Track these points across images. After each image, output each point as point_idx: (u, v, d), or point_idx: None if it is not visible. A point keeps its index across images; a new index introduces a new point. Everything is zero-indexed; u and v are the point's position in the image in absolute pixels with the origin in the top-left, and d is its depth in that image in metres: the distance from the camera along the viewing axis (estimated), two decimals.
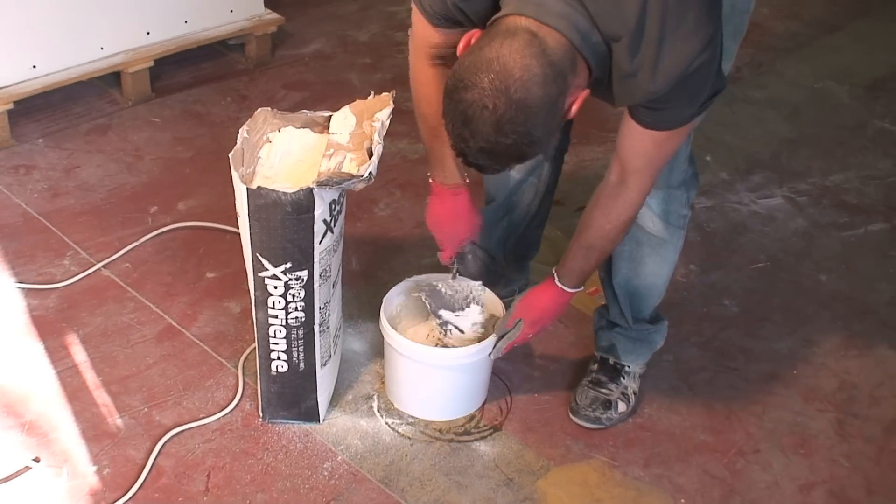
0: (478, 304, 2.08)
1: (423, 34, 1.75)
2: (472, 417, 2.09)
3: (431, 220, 2.02)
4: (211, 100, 3.09)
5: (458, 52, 1.53)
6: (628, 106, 1.63)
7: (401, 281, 2.12)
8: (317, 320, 1.90)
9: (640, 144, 1.67)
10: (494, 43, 1.43)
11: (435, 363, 2.00)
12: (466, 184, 1.96)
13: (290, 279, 1.82)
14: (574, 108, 1.51)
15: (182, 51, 3.08)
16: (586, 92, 1.52)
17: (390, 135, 1.95)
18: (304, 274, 1.83)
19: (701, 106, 1.61)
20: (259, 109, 1.94)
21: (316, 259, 1.82)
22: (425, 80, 1.82)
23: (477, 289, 2.10)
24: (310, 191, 1.73)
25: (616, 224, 1.80)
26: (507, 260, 2.31)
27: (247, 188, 1.74)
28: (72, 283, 2.33)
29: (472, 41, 1.50)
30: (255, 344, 1.94)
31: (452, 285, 2.08)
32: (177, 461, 1.94)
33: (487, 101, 1.42)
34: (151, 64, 3.00)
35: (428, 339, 2.08)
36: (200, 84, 3.16)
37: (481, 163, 1.52)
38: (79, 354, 2.15)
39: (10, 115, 2.75)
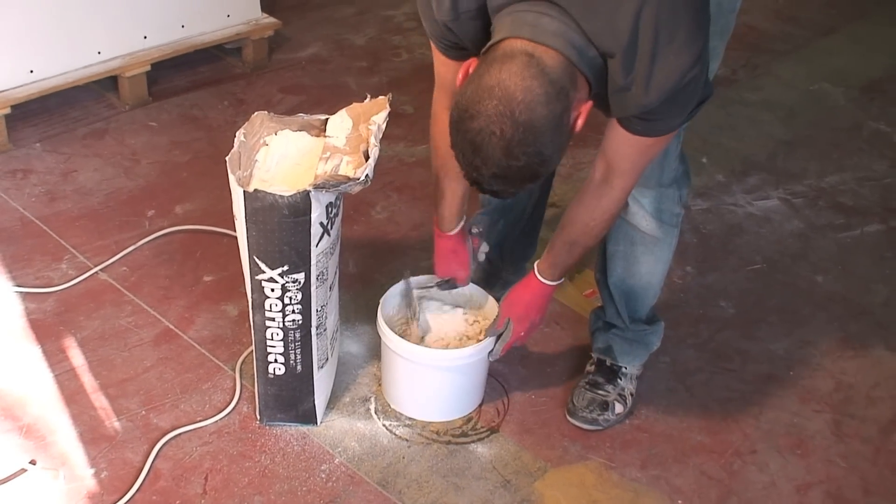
0: (428, 332, 2.11)
1: (443, 75, 1.79)
2: (469, 419, 2.09)
3: (435, 257, 2.09)
4: (208, 104, 3.10)
5: (457, 84, 1.54)
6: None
7: (398, 283, 2.13)
8: (314, 323, 1.90)
9: (626, 148, 1.69)
10: (493, 69, 1.45)
11: (431, 364, 2.01)
12: (461, 229, 2.03)
13: (286, 282, 1.83)
14: (580, 122, 1.52)
15: (179, 55, 3.08)
16: (590, 104, 1.54)
17: (387, 138, 1.96)
18: (300, 276, 1.83)
19: (689, 114, 1.63)
20: (256, 113, 1.95)
21: (313, 262, 1.82)
22: (442, 137, 1.82)
23: (446, 319, 2.11)
24: (306, 194, 1.74)
25: (600, 221, 1.82)
26: (503, 262, 2.32)
27: (244, 191, 1.74)
28: (69, 287, 2.33)
29: (471, 70, 1.52)
30: (253, 347, 1.95)
31: (428, 301, 2.11)
32: (174, 464, 1.94)
33: (494, 128, 1.43)
34: (148, 68, 3.01)
35: (455, 335, 2.10)
36: (197, 88, 3.17)
37: (496, 188, 1.53)
38: (76, 358, 2.15)
39: (7, 120, 2.76)
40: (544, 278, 1.94)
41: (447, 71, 1.76)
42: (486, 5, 1.55)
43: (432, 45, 1.74)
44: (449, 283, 2.12)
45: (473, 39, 1.60)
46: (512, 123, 1.42)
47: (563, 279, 1.96)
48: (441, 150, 1.85)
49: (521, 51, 1.45)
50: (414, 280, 2.12)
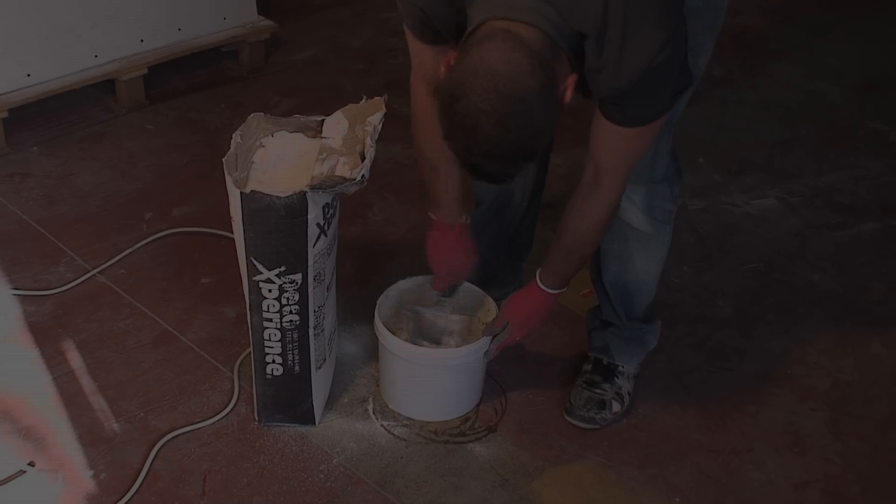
0: (452, 336, 2.08)
1: (419, 57, 1.79)
2: (466, 419, 2.09)
3: (430, 252, 2.04)
4: (205, 106, 3.10)
5: (440, 76, 1.55)
6: (599, 104, 1.65)
7: (395, 284, 2.13)
8: (311, 323, 1.90)
9: (610, 142, 1.69)
10: (473, 51, 1.47)
11: (429, 364, 2.01)
12: (467, 221, 1.99)
13: (284, 282, 1.83)
14: (568, 94, 1.53)
15: (176, 58, 3.09)
16: (575, 76, 1.54)
17: (384, 139, 1.96)
18: (298, 277, 1.83)
19: (666, 102, 1.63)
20: (252, 114, 1.95)
21: (310, 262, 1.83)
22: (423, 115, 1.84)
23: (457, 321, 2.08)
24: (303, 194, 1.74)
25: (590, 225, 1.82)
26: (500, 262, 2.31)
27: (240, 192, 1.75)
28: (67, 290, 2.33)
29: (452, 61, 1.53)
30: (251, 348, 1.95)
31: (434, 312, 2.09)
32: (173, 465, 1.94)
33: (483, 105, 1.44)
34: (145, 71, 3.01)
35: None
36: (194, 91, 3.17)
37: (491, 170, 1.54)
38: (75, 360, 2.16)
39: (4, 123, 2.76)
40: (545, 286, 1.94)
41: (421, 52, 1.76)
42: None
43: (406, 30, 1.74)
44: (450, 289, 2.09)
45: (447, 24, 1.62)
46: (500, 97, 1.43)
47: (566, 288, 1.95)
48: (421, 129, 1.86)
49: (499, 29, 1.47)
50: (404, 285, 2.09)
